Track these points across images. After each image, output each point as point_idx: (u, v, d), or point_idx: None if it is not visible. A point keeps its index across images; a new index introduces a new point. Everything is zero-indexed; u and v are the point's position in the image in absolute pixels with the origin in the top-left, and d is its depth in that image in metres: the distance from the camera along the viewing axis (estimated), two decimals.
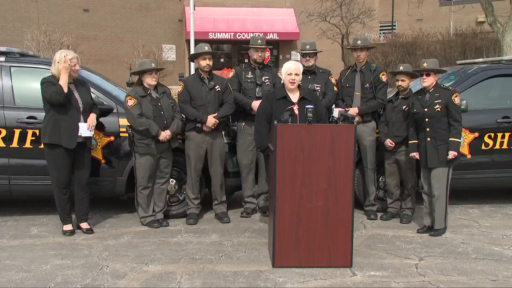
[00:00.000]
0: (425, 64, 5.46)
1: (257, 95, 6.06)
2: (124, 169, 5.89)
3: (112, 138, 5.87)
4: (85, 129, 5.33)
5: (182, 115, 5.91)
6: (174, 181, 6.13)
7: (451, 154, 5.31)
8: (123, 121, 5.77)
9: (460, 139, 5.31)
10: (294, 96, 5.08)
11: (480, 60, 7.40)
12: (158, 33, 25.46)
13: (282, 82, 5.22)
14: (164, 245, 5.17)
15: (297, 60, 5.56)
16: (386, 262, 4.73)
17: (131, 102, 5.53)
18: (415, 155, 5.55)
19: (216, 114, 5.81)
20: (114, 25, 23.81)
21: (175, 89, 7.61)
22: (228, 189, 6.22)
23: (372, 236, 5.51)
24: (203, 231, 5.66)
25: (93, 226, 5.69)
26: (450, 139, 5.30)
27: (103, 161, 5.87)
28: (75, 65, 5.30)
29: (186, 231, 5.66)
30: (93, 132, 5.43)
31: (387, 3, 26.69)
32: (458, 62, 8.09)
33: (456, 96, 5.33)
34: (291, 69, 5.02)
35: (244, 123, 6.14)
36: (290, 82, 5.02)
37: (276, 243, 4.51)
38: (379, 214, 6.18)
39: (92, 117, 5.41)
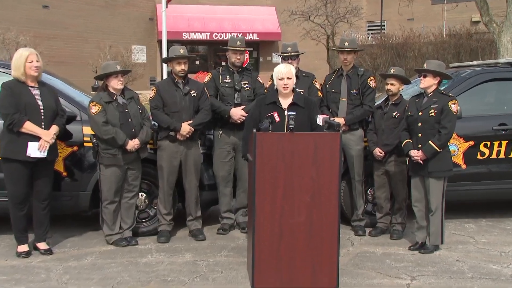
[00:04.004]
0: (425, 65, 5.55)
1: (235, 101, 6.07)
2: (88, 182, 5.84)
3: (75, 148, 5.82)
4: (34, 149, 5.18)
5: (154, 122, 5.89)
6: (144, 195, 6.10)
7: (414, 153, 5.39)
8: (87, 130, 5.72)
9: (439, 147, 5.33)
10: (286, 102, 5.12)
11: (475, 63, 7.51)
12: (127, 32, 25.38)
13: (275, 87, 5.25)
14: (132, 266, 5.12)
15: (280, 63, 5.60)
16: (375, 282, 4.75)
17: (95, 109, 5.50)
18: (415, 152, 5.44)
19: (191, 121, 5.81)
20: (77, 24, 23.65)
21: (146, 94, 7.58)
22: (203, 204, 6.20)
23: (360, 253, 5.54)
24: (176, 250, 5.63)
25: (52, 246, 5.62)
26: (429, 141, 5.35)
27: (64, 173, 5.81)
28: (32, 61, 5.23)
29: (157, 250, 5.62)
30: (45, 153, 5.23)
31: (375, 1, 27.01)
32: (451, 65, 8.20)
33: (453, 103, 5.39)
34: (282, 73, 5.07)
35: (221, 132, 6.15)
36: (283, 87, 5.06)
37: (256, 262, 4.50)
38: (367, 230, 6.21)
39: (48, 133, 5.24)
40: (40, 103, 5.28)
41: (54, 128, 5.33)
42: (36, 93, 5.31)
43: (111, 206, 5.65)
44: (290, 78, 5.09)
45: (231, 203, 6.34)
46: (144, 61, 25.72)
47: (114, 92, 5.63)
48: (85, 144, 5.80)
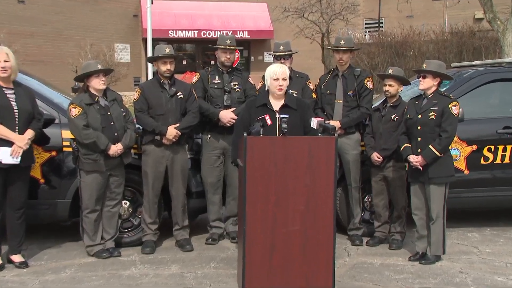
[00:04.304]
0: (424, 65, 5.58)
1: (225, 103, 6.08)
2: (67, 189, 5.82)
3: (53, 153, 5.80)
4: (6, 154, 5.14)
5: (139, 126, 5.90)
6: (128, 203, 6.09)
7: (413, 158, 5.42)
8: (67, 134, 5.71)
9: (440, 152, 5.35)
10: (278, 104, 5.13)
11: (478, 62, 7.56)
12: (110, 30, 25.36)
13: (266, 88, 5.26)
14: (115, 279, 5.10)
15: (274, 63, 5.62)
16: None
17: (75, 111, 5.49)
18: (414, 158, 5.46)
19: (178, 124, 5.81)
20: (56, 20, 23.58)
21: (130, 95, 7.57)
22: (191, 212, 6.20)
23: (357, 264, 5.55)
24: (162, 261, 5.62)
25: (28, 258, 5.58)
26: (429, 146, 5.38)
27: (42, 180, 5.79)
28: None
29: (142, 261, 5.61)
30: (19, 160, 5.20)
31: None
32: (453, 65, 8.25)
33: (454, 105, 5.42)
34: (277, 74, 5.07)
35: (209, 136, 6.15)
36: (278, 89, 5.07)
37: (247, 274, 4.50)
38: (364, 239, 6.23)
39: (21, 138, 5.21)
40: (14, 105, 5.25)
41: (29, 133, 5.30)
42: (10, 94, 5.28)
43: (92, 215, 5.63)
44: (285, 79, 5.11)
45: (221, 211, 6.34)
46: (128, 60, 25.70)
47: (95, 93, 5.62)
48: (65, 149, 5.78)
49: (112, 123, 5.61)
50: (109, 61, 20.97)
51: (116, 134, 5.61)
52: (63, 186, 5.83)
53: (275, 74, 5.07)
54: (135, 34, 26.84)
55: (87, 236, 5.70)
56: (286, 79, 5.11)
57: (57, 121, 5.86)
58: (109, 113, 5.63)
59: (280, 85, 5.06)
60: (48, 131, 5.74)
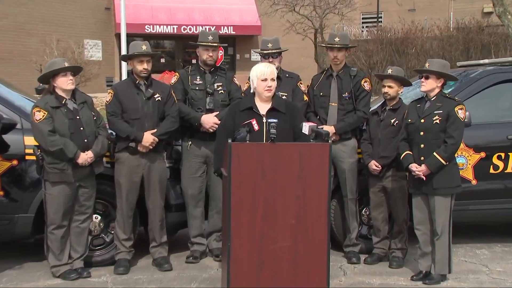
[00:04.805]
0: (427, 65, 5.61)
1: (207, 106, 6.09)
2: (30, 203, 5.79)
3: (14, 162, 5.77)
4: None
5: (111, 131, 5.89)
6: (99, 217, 6.08)
7: (415, 167, 5.44)
8: (30, 140, 5.68)
9: (445, 160, 5.38)
10: (265, 107, 5.15)
11: (487, 61, 7.60)
12: (78, 24, 25.27)
13: (252, 90, 5.27)
14: None
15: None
16: None
17: (39, 115, 5.47)
18: (416, 166, 5.49)
19: (155, 130, 5.81)
20: (17, 13, 23.43)
21: (102, 97, 7.56)
22: (170, 227, 6.20)
23: (354, 284, 5.57)
24: (137, 282, 5.61)
25: None
26: (434, 153, 5.41)
27: (1, 193, 5.76)
28: None
29: (114, 283, 5.59)
30: None
31: None
32: (458, 63, 8.31)
33: (460, 109, 5.46)
34: (266, 74, 5.10)
35: (190, 142, 6.16)
36: (266, 90, 5.09)
37: None
38: (362, 257, 6.25)
39: None
40: None
41: None
42: None
43: (59, 232, 5.61)
44: (274, 80, 5.15)
45: (203, 226, 6.33)
46: (99, 58, 25.63)
47: (62, 95, 5.61)
48: (27, 157, 5.75)
49: (81, 128, 5.59)
50: (78, 59, 20.88)
51: (86, 140, 5.59)
52: (26, 199, 5.80)
53: (263, 74, 5.09)
54: (108, 29, 26.78)
55: (52, 255, 5.67)
56: (274, 80, 5.14)
57: (18, 126, 5.82)
58: (78, 117, 5.61)
59: (269, 86, 5.08)
60: (8, 137, 5.72)
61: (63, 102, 5.59)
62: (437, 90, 5.58)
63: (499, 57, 15.83)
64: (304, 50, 23.54)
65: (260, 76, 5.11)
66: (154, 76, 6.13)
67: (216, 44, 6.22)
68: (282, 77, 6.23)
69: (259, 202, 4.49)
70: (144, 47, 5.88)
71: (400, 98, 6.13)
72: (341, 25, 23.87)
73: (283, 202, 4.50)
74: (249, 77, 5.31)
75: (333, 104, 6.20)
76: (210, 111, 6.07)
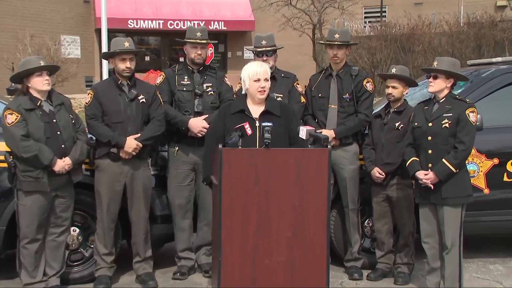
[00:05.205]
0: (435, 63, 5.61)
1: (196, 109, 6.10)
2: (1, 215, 5.78)
3: None
4: None
5: (91, 136, 5.89)
6: (77, 230, 6.07)
7: (422, 175, 5.44)
8: (1, 145, 5.67)
9: (455, 167, 5.37)
10: (258, 110, 5.17)
11: (500, 59, 7.62)
12: (55, 19, 25.22)
13: (244, 91, 5.28)
14: None
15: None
16: None
17: (12, 118, 5.46)
18: (424, 174, 5.48)
19: (139, 135, 5.82)
20: None
21: (81, 99, 7.56)
22: (155, 240, 6.20)
23: None
24: None
25: None
26: (443, 160, 5.41)
27: None
28: None
29: None
30: None
31: None
32: (469, 62, 8.34)
33: (472, 111, 5.46)
34: (259, 73, 5.11)
35: (177, 148, 6.16)
36: (259, 91, 5.11)
37: None
38: (365, 272, 6.26)
39: None
40: None
41: None
42: None
43: (33, 246, 5.59)
44: (268, 80, 5.16)
45: (191, 239, 6.33)
46: (78, 56, 25.58)
47: (37, 96, 5.60)
48: None
49: (58, 132, 5.58)
50: (54, 57, 20.86)
51: (63, 146, 5.58)
52: None
53: (256, 74, 5.10)
54: (87, 24, 26.74)
55: (25, 271, 5.64)
56: (268, 80, 5.16)
57: None
58: (54, 120, 5.60)
59: (262, 87, 5.10)
60: None
61: (38, 104, 5.58)
62: (446, 91, 5.59)
63: None
64: (301, 48, 23.57)
65: (253, 76, 5.13)
66: (138, 75, 6.13)
67: (205, 41, 6.22)
68: (277, 77, 6.24)
69: (252, 213, 4.50)
70: (126, 44, 5.88)
71: (405, 99, 6.15)
72: (341, 20, 23.94)
73: (279, 213, 4.51)
74: (241, 77, 5.32)
75: (332, 106, 6.22)
76: (198, 114, 6.08)
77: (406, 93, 6.14)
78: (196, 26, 6.32)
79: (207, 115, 6.05)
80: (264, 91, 5.12)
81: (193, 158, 6.12)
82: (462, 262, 5.56)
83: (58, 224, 5.70)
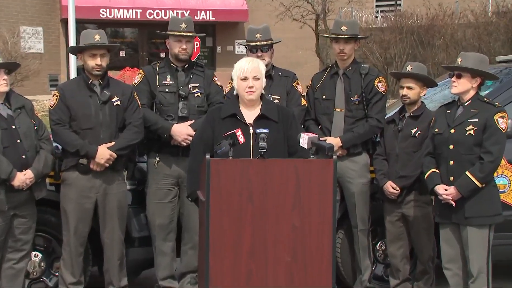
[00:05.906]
0: (459, 60, 5.59)
1: (180, 113, 6.12)
2: None
3: None
4: None
5: (56, 144, 5.91)
6: (39, 255, 6.09)
7: (443, 190, 5.43)
8: None
9: (481, 181, 5.35)
10: (251, 114, 5.19)
11: None
12: (13, 8, 25.20)
13: (235, 92, 5.29)
14: None
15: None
16: None
17: None
18: (445, 189, 5.49)
19: (113, 143, 5.83)
20: None
21: (44, 101, 7.57)
22: (131, 267, 6.21)
23: None
24: None
25: None
26: (466, 172, 5.39)
27: None
28: None
29: None
30: None
31: None
32: (498, 58, 8.37)
33: (501, 117, 5.46)
34: (246, 71, 5.11)
35: (158, 159, 6.18)
36: (247, 92, 5.11)
37: None
38: None
39: None
40: None
41: None
42: None
43: None
44: (258, 79, 5.13)
45: (174, 265, 6.34)
46: (40, 50, 25.56)
47: None
48: None
49: (18, 141, 5.58)
50: (12, 51, 20.84)
51: (24, 156, 5.59)
52: None
53: (243, 72, 5.10)
54: (51, 14, 26.71)
55: None
56: (259, 78, 5.13)
57: None
58: (13, 126, 5.60)
59: (250, 87, 5.08)
60: None
61: None
62: (472, 93, 5.58)
63: None
64: (302, 42, 23.62)
65: (240, 74, 5.11)
66: (111, 74, 6.14)
67: (191, 34, 6.25)
68: (274, 76, 6.27)
69: (245, 234, 4.51)
70: (98, 37, 5.89)
71: (422, 102, 6.18)
72: (349, 9, 23.99)
73: (276, 235, 4.52)
74: (232, 76, 5.32)
75: (338, 110, 6.25)
76: (183, 119, 6.10)
77: (423, 95, 6.16)
78: (180, 17, 6.33)
79: (193, 121, 6.06)
80: (253, 91, 5.10)
81: (177, 170, 6.14)
82: None
83: (17, 249, 5.70)
